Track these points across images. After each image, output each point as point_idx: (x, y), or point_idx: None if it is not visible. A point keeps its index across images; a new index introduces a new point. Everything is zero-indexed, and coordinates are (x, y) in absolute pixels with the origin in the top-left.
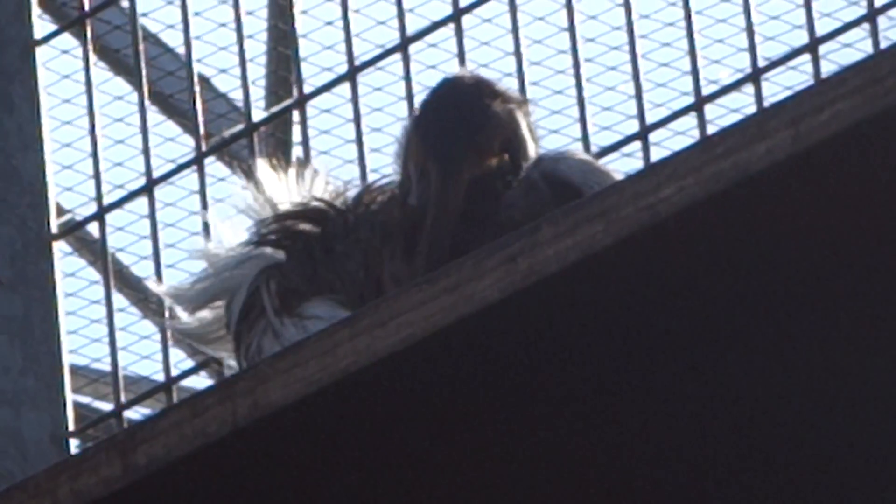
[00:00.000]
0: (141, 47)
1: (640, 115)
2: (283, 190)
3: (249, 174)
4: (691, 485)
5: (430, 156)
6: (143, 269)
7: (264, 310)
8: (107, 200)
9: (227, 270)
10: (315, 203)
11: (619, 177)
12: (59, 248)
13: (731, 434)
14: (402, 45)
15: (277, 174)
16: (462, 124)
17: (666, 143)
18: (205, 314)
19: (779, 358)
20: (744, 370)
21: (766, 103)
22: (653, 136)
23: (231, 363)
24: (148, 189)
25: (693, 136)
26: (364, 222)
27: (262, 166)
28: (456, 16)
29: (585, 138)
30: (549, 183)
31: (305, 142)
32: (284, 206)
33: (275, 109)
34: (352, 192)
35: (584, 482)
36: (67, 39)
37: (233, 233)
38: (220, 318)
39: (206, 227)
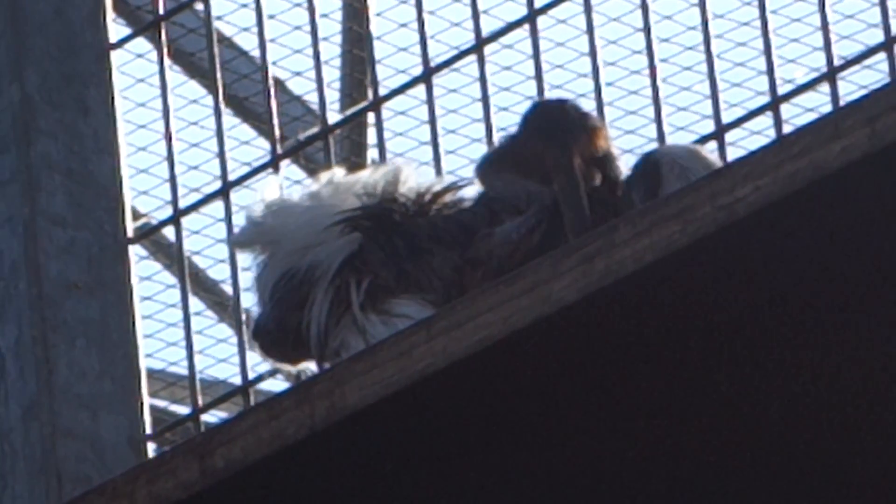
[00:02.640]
0: (216, 50)
1: (716, 115)
2: (361, 186)
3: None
4: (791, 477)
5: (550, 153)
6: (219, 273)
7: (350, 305)
8: (182, 204)
9: (290, 216)
10: (394, 198)
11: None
12: (135, 251)
13: (825, 428)
14: (477, 47)
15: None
16: (572, 122)
17: (742, 143)
18: None
19: (860, 354)
20: (823, 367)
21: (841, 102)
22: (728, 136)
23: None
24: (223, 192)
25: (769, 136)
26: (449, 224)
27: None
28: (531, 17)
29: (661, 138)
30: (660, 165)
31: (381, 144)
32: (361, 200)
33: (350, 112)
34: (427, 191)
35: (662, 480)
36: (142, 43)
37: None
38: None
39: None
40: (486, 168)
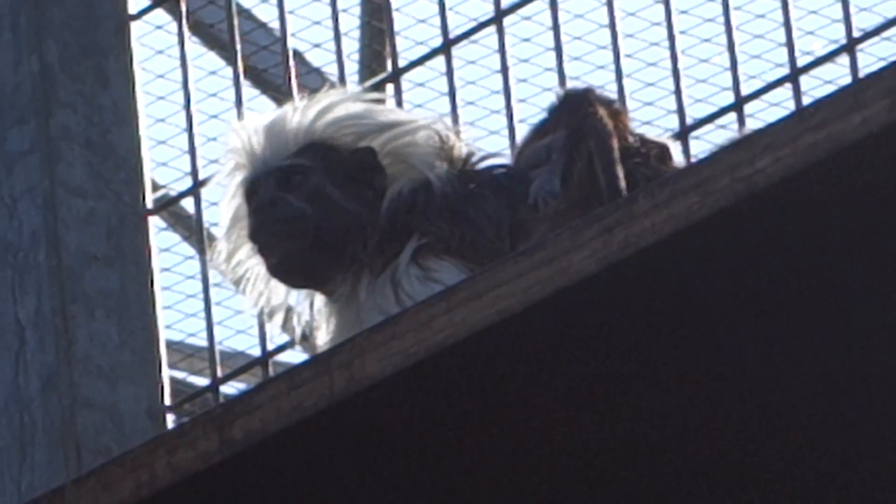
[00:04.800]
0: (235, 22)
1: (735, 87)
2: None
3: None
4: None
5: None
6: None
7: (396, 254)
8: (202, 175)
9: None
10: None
11: None
12: (155, 223)
13: (840, 406)
14: (497, 18)
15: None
16: (596, 98)
17: (761, 115)
18: None
19: (880, 325)
20: (842, 336)
21: (861, 74)
22: (748, 108)
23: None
24: None
25: (788, 108)
26: (494, 172)
27: None
28: None
29: (680, 110)
30: None
31: None
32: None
33: (369, 83)
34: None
35: (681, 447)
36: (161, 15)
37: None
38: None
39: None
40: (518, 159)
